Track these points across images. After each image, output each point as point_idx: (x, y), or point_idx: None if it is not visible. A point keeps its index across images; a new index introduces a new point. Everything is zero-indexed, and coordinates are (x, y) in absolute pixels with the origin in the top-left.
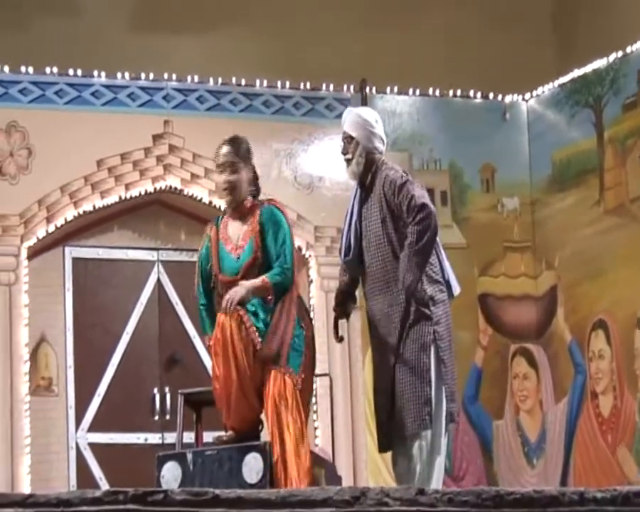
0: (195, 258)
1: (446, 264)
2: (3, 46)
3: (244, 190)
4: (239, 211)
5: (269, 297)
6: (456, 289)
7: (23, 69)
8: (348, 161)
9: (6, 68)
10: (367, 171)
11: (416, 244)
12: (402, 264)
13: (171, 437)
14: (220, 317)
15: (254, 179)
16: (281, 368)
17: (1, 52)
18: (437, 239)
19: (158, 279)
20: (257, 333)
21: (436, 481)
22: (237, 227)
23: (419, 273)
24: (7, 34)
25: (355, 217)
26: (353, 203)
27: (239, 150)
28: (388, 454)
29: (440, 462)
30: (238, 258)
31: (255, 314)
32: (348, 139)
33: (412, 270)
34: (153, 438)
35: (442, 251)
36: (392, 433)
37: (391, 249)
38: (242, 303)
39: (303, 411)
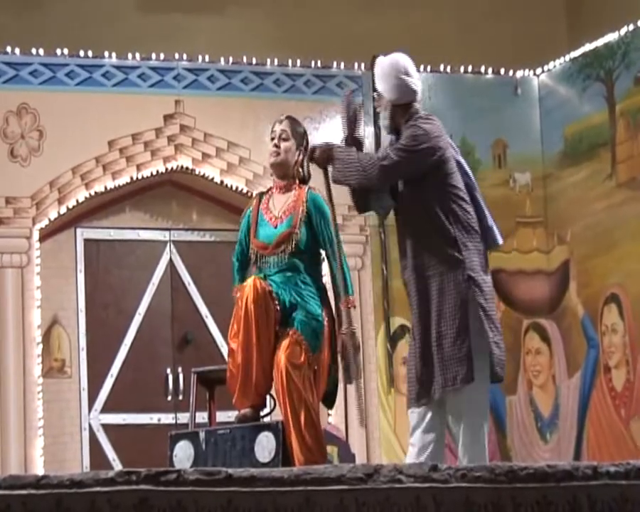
0: (206, 238)
1: (487, 213)
2: (13, 28)
3: (290, 159)
4: (285, 188)
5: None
6: (499, 239)
7: (33, 51)
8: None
9: (17, 50)
10: (396, 123)
11: (372, 163)
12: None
13: (184, 417)
14: (255, 280)
15: (302, 163)
16: (298, 337)
17: (11, 34)
18: (474, 183)
19: (170, 260)
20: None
21: (481, 439)
22: (280, 201)
23: (344, 177)
24: (18, 16)
25: None
26: None
27: (294, 126)
28: (402, 432)
29: (480, 420)
30: (276, 227)
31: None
32: (377, 93)
33: (344, 169)
34: (166, 418)
35: (481, 199)
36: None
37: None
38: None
39: (315, 391)
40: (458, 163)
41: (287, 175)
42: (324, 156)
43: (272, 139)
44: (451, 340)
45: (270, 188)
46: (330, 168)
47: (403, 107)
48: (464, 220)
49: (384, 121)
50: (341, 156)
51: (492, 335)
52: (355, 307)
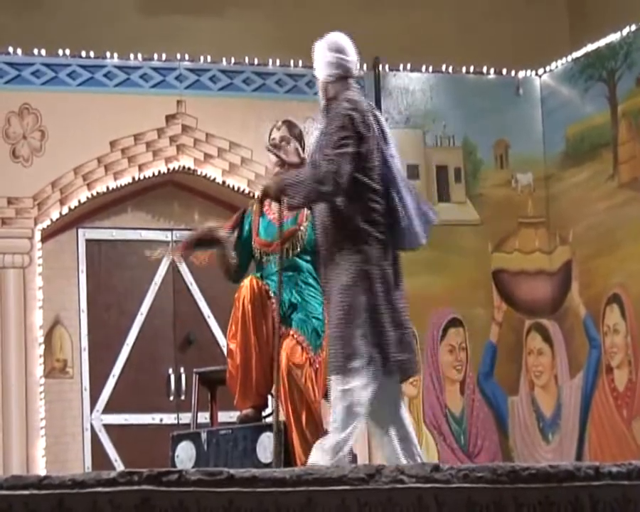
0: None
1: (409, 212)
2: (15, 29)
3: (290, 153)
4: None
5: None
6: (420, 239)
7: (35, 51)
8: None
9: (19, 50)
10: (327, 101)
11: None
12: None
13: (186, 417)
14: (252, 280)
15: (301, 164)
16: (299, 338)
17: (13, 34)
18: (395, 177)
19: (173, 260)
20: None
21: (344, 432)
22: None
23: (302, 198)
24: (19, 16)
25: None
26: None
27: (292, 130)
28: None
29: (346, 413)
30: (280, 225)
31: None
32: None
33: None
34: (168, 418)
35: (406, 196)
36: None
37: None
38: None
39: (317, 390)
40: (381, 152)
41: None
42: (277, 189)
43: (273, 146)
44: (333, 330)
45: None
46: (285, 199)
47: (332, 85)
48: (370, 215)
49: (320, 103)
50: (291, 181)
51: (375, 331)
52: None
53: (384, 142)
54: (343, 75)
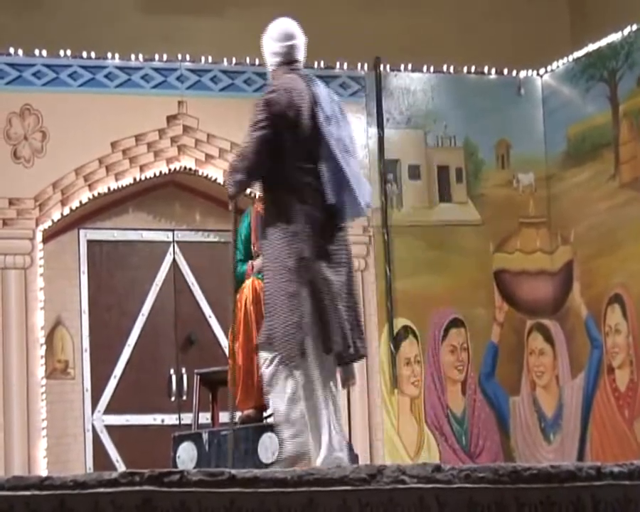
0: (210, 238)
1: (341, 187)
2: (16, 29)
3: None
4: None
5: None
6: (359, 210)
7: (36, 52)
8: None
9: (20, 51)
10: None
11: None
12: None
13: (187, 418)
14: (253, 282)
15: None
16: None
17: (14, 35)
18: (331, 151)
19: (174, 260)
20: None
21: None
22: None
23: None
24: (20, 17)
25: None
26: None
27: None
28: (405, 433)
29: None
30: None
31: None
32: None
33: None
34: (170, 419)
35: (345, 169)
36: None
37: None
38: None
39: None
40: (313, 129)
41: None
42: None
43: None
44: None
45: None
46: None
47: (275, 73)
48: (297, 192)
49: None
50: (226, 173)
51: (288, 311)
52: None
53: (321, 119)
54: (284, 62)
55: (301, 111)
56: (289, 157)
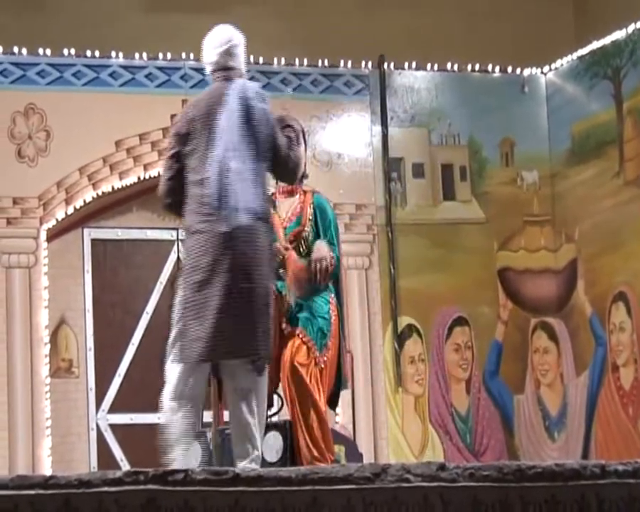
0: None
1: (220, 198)
2: (20, 28)
3: None
4: (289, 192)
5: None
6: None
7: (40, 51)
8: None
9: (24, 50)
10: None
11: None
12: None
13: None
14: None
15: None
16: (304, 337)
17: (18, 34)
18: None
19: (178, 259)
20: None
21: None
22: (286, 206)
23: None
24: (24, 16)
25: None
26: None
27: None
28: (409, 431)
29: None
30: (285, 228)
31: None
32: None
33: None
34: None
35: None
36: None
37: None
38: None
39: (322, 390)
40: (204, 140)
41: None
42: None
43: None
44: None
45: (273, 194)
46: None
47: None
48: (193, 205)
49: None
50: None
51: (180, 314)
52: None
53: (215, 126)
54: (218, 68)
55: (193, 124)
56: (187, 172)
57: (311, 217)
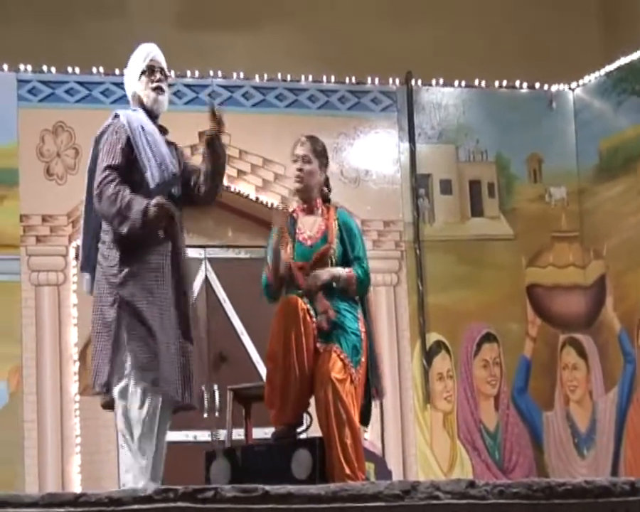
0: (242, 255)
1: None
2: (49, 47)
3: (314, 183)
4: (309, 209)
5: (352, 288)
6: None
7: (69, 69)
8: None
9: (53, 69)
10: None
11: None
12: None
13: (220, 435)
14: (290, 299)
15: (326, 181)
16: (340, 354)
17: (47, 53)
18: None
19: (206, 277)
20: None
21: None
22: (310, 222)
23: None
24: (53, 35)
25: None
26: None
27: (315, 147)
28: (438, 448)
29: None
30: (311, 246)
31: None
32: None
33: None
34: (202, 436)
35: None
36: None
37: None
38: (324, 285)
39: (356, 404)
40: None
41: (311, 197)
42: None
43: (295, 160)
44: None
45: (294, 210)
46: None
47: None
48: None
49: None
50: None
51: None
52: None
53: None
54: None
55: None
56: None
57: (337, 234)
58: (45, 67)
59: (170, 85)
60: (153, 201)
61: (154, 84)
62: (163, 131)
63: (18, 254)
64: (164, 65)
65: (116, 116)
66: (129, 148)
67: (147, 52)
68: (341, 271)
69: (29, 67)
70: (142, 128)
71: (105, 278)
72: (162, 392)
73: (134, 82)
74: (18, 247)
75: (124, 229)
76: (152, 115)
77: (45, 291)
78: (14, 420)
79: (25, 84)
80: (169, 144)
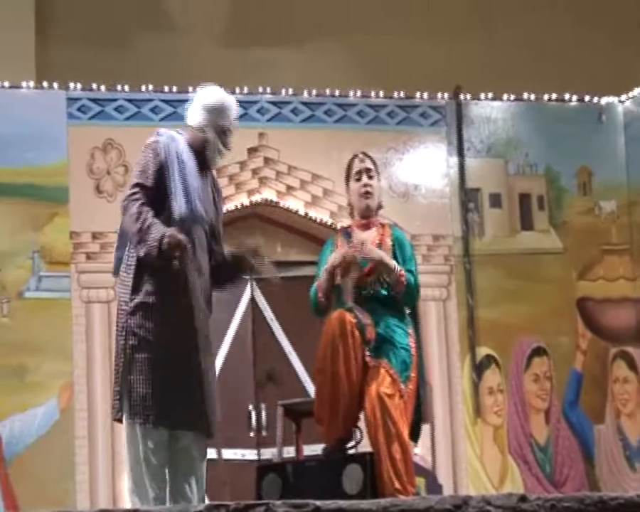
0: (287, 273)
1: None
2: (99, 65)
3: (377, 198)
4: (365, 224)
5: (397, 292)
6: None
7: (119, 87)
8: None
9: (102, 87)
10: None
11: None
12: None
13: (267, 453)
14: (341, 314)
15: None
16: (389, 369)
17: (96, 71)
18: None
19: (252, 297)
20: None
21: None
22: (364, 236)
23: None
24: (103, 53)
25: None
26: None
27: (375, 162)
28: (488, 462)
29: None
30: (364, 259)
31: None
32: None
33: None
34: (250, 454)
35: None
36: None
37: None
38: (375, 264)
39: (406, 422)
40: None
41: (371, 213)
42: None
43: (359, 177)
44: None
45: (349, 226)
46: None
47: None
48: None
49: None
50: None
51: (136, 372)
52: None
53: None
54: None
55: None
56: None
57: (390, 249)
58: (94, 85)
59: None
60: (168, 231)
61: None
62: (204, 165)
63: (69, 272)
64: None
65: (159, 134)
66: (161, 173)
67: (229, 108)
68: (396, 264)
69: (79, 85)
70: (178, 156)
71: (119, 304)
72: (163, 425)
73: (198, 118)
74: (68, 264)
75: (141, 252)
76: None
77: (96, 308)
78: (65, 437)
79: (75, 102)
80: (210, 178)
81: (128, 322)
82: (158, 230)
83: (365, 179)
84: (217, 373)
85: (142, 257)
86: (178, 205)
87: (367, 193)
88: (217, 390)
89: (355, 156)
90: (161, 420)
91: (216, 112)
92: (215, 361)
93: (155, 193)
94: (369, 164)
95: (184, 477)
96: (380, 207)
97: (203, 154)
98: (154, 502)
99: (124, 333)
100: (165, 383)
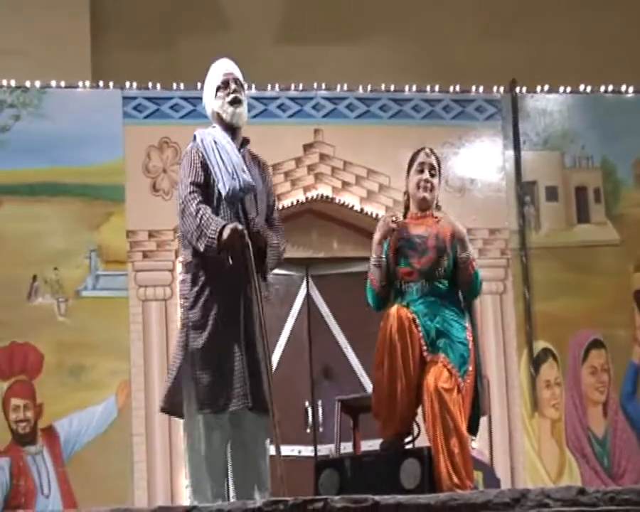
0: (343, 269)
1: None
2: (154, 64)
3: (436, 195)
4: (422, 218)
5: (468, 273)
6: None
7: (174, 85)
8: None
9: (158, 85)
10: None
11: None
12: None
13: (324, 449)
14: (398, 309)
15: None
16: (447, 364)
17: (152, 70)
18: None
19: (308, 293)
20: (423, 340)
21: (190, 470)
22: (421, 230)
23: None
24: (158, 52)
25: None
26: None
27: (439, 160)
28: (546, 456)
29: (192, 455)
30: (422, 252)
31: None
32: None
33: None
34: (306, 450)
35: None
36: None
37: None
38: (453, 234)
39: (464, 416)
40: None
41: (428, 206)
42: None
43: (421, 169)
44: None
45: (405, 220)
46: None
47: None
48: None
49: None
50: None
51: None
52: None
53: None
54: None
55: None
56: None
57: (447, 243)
58: (150, 84)
59: (248, 97)
60: (230, 225)
61: (230, 97)
62: (244, 142)
63: (126, 270)
64: (239, 75)
65: (194, 138)
66: (205, 167)
67: (220, 66)
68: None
69: (134, 84)
70: (214, 142)
71: (180, 300)
72: (223, 412)
73: (211, 100)
74: (125, 262)
75: (201, 246)
76: (233, 129)
77: (153, 306)
78: (123, 434)
79: (131, 101)
80: (253, 157)
81: (188, 317)
82: (217, 223)
83: (426, 174)
84: (273, 368)
85: (203, 250)
86: (224, 184)
87: (427, 183)
88: (274, 383)
89: (422, 149)
90: (223, 407)
91: (208, 87)
92: (271, 350)
93: (207, 191)
94: (434, 161)
95: (245, 466)
96: (437, 206)
97: (233, 130)
98: (213, 498)
99: (184, 330)
100: (223, 372)
